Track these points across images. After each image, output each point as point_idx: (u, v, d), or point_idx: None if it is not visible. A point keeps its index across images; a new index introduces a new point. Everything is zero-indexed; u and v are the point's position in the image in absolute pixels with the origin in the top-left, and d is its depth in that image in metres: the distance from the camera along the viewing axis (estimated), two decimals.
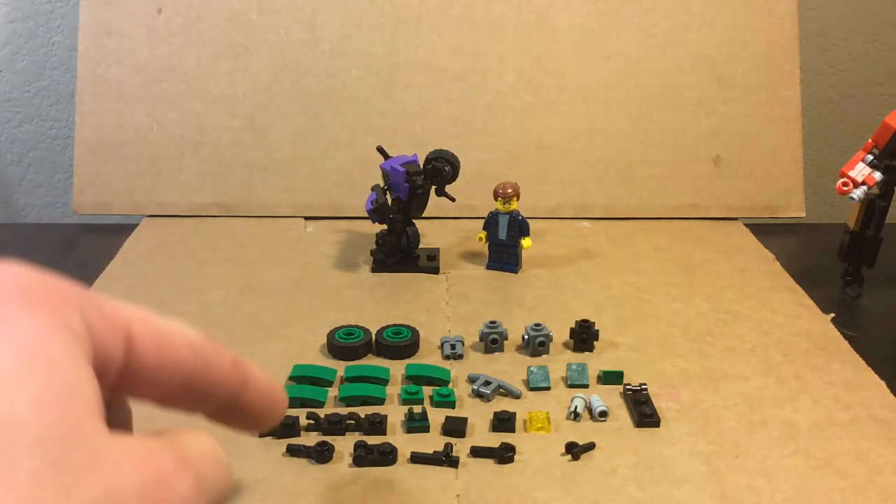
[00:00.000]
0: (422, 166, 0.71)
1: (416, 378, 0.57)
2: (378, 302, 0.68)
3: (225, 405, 0.29)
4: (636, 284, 0.72)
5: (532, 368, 0.58)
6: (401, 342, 0.60)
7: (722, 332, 0.64)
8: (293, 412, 0.53)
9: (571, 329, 0.62)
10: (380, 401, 0.55)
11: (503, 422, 0.52)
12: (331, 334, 0.61)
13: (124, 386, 0.26)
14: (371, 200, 0.72)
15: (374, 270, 0.73)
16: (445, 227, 0.82)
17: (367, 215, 0.74)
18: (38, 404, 0.21)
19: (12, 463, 0.20)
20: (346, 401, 0.55)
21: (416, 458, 0.49)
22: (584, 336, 0.61)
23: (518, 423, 0.53)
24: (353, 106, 0.86)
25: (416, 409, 0.53)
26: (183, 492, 0.23)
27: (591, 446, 0.51)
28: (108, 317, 0.25)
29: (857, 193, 0.70)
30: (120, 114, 0.85)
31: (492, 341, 0.61)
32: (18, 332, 0.22)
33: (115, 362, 0.25)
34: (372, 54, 0.86)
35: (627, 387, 0.56)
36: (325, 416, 0.52)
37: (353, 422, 0.52)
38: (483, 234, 0.74)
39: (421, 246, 0.75)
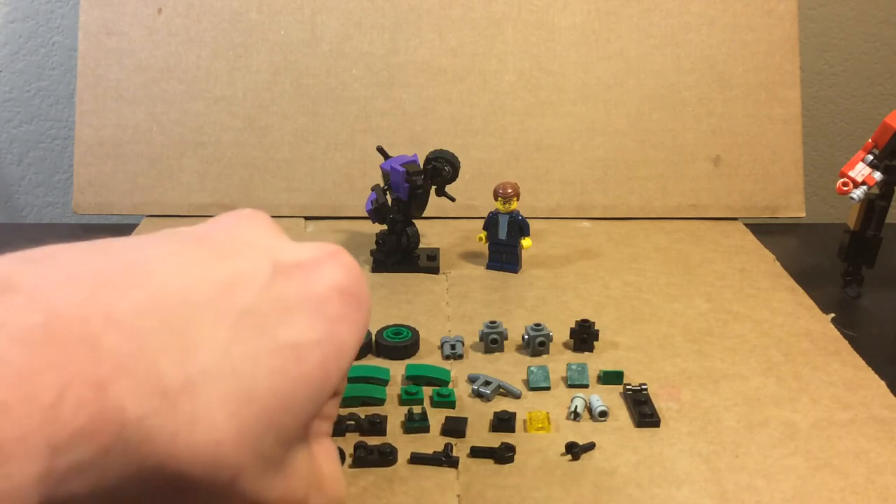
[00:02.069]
0: (422, 166, 0.71)
1: (416, 378, 0.57)
2: (378, 302, 0.68)
3: None
4: (636, 284, 0.72)
5: (532, 368, 0.58)
6: (401, 342, 0.60)
7: (722, 332, 0.64)
8: None
9: (571, 329, 0.62)
10: (380, 401, 0.55)
11: (503, 422, 0.52)
12: None
13: None
14: (371, 200, 0.72)
15: (374, 270, 0.73)
16: (445, 227, 0.82)
17: (367, 215, 0.74)
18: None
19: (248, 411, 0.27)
20: (345, 401, 0.55)
21: (416, 459, 0.49)
22: (584, 336, 0.61)
23: (518, 423, 0.53)
24: (353, 106, 0.86)
25: (416, 409, 0.53)
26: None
27: (591, 446, 0.51)
28: None
29: (857, 193, 0.70)
30: (120, 114, 0.85)
31: (492, 341, 0.61)
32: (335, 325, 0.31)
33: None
34: (372, 54, 0.86)
35: (627, 387, 0.56)
36: None
37: (352, 422, 0.52)
38: (483, 234, 0.74)
39: (421, 246, 0.75)
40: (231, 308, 0.27)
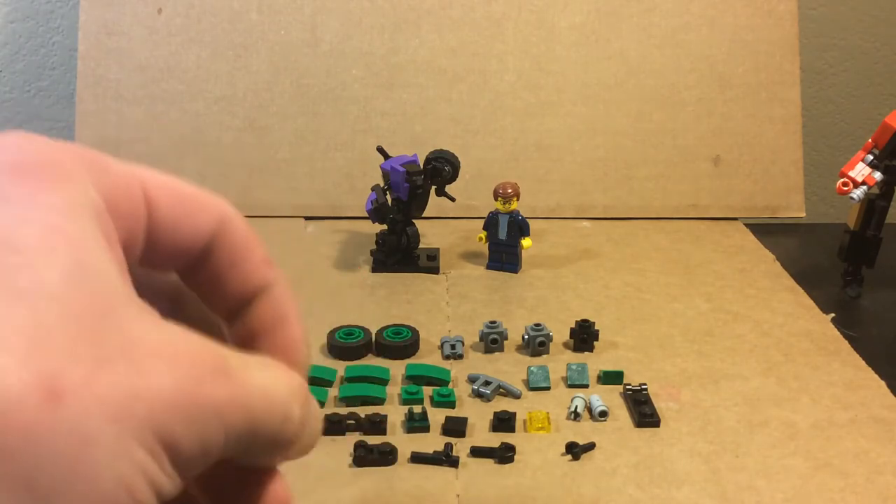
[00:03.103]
0: (422, 166, 0.71)
1: (416, 378, 0.57)
2: (378, 302, 0.68)
3: (237, 307, 0.26)
4: (636, 284, 0.72)
5: (532, 368, 0.58)
6: (401, 342, 0.60)
7: (722, 332, 0.64)
8: None
9: (571, 329, 0.62)
10: (380, 401, 0.55)
11: (503, 422, 0.52)
12: (331, 334, 0.61)
13: (148, 255, 0.24)
14: (371, 200, 0.72)
15: (374, 270, 0.73)
16: (445, 227, 0.82)
17: (367, 215, 0.74)
18: (67, 280, 0.19)
19: (46, 336, 0.18)
20: (346, 401, 0.55)
21: (416, 458, 0.49)
22: (584, 336, 0.61)
23: (518, 423, 0.53)
24: (353, 106, 0.86)
25: (416, 409, 0.53)
26: (219, 405, 0.20)
27: (591, 446, 0.51)
28: (123, 181, 0.22)
29: (857, 193, 0.70)
30: (120, 114, 0.85)
31: (492, 341, 0.61)
32: (38, 211, 0.20)
33: (138, 229, 0.23)
34: (372, 54, 0.86)
35: (627, 387, 0.56)
36: (325, 416, 0.52)
37: (353, 422, 0.52)
38: (483, 234, 0.74)
39: (421, 246, 0.75)
40: None
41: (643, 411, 0.53)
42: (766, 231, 0.84)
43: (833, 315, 0.67)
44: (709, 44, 0.87)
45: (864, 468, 0.49)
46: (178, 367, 0.20)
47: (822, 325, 0.66)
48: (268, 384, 0.22)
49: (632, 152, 0.87)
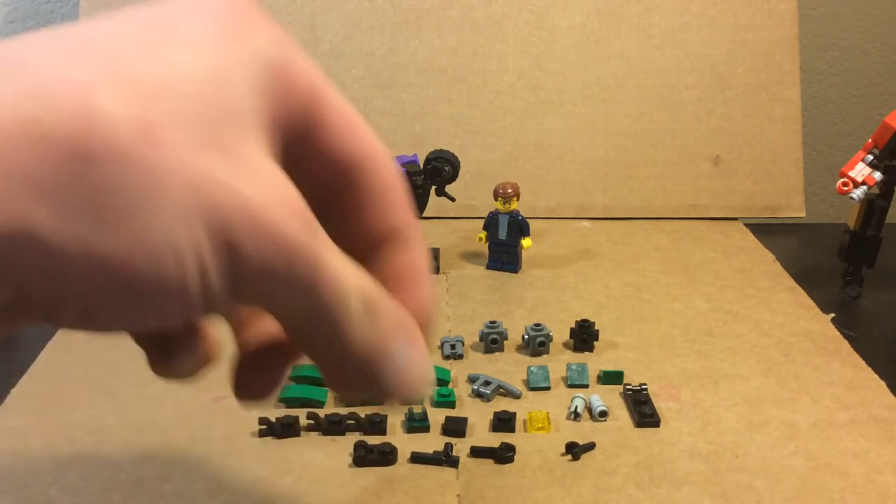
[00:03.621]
0: (422, 166, 0.71)
1: None
2: None
3: (367, 247, 0.26)
4: (636, 284, 0.72)
5: (532, 368, 0.58)
6: None
7: (722, 332, 0.64)
8: (293, 412, 0.52)
9: (571, 329, 0.62)
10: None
11: (503, 422, 0.52)
12: None
13: (295, 154, 0.24)
14: None
15: None
16: (445, 227, 0.82)
17: None
18: (212, 76, 0.20)
19: (167, 97, 0.19)
20: (346, 400, 0.55)
21: (416, 458, 0.49)
22: (584, 336, 0.61)
23: (518, 423, 0.53)
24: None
25: (416, 408, 0.53)
26: (292, 246, 0.20)
27: (591, 446, 0.51)
28: (299, 76, 0.23)
29: (857, 193, 0.70)
30: None
31: (492, 341, 0.61)
32: (213, 26, 0.21)
33: (294, 119, 0.23)
34: (372, 54, 0.86)
35: (627, 387, 0.56)
36: (325, 415, 0.52)
37: (353, 421, 0.52)
38: (483, 234, 0.74)
39: None
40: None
41: (643, 411, 0.53)
42: (766, 231, 0.84)
43: (833, 315, 0.67)
44: (709, 44, 0.87)
45: (864, 468, 0.49)
46: (271, 193, 0.20)
47: (822, 325, 0.66)
48: (339, 265, 0.22)
49: (632, 152, 0.87)
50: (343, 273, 0.22)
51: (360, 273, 0.23)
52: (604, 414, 0.53)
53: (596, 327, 0.62)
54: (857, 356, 0.61)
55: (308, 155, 0.24)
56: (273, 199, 0.20)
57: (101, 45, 0.20)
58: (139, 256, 0.19)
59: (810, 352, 0.62)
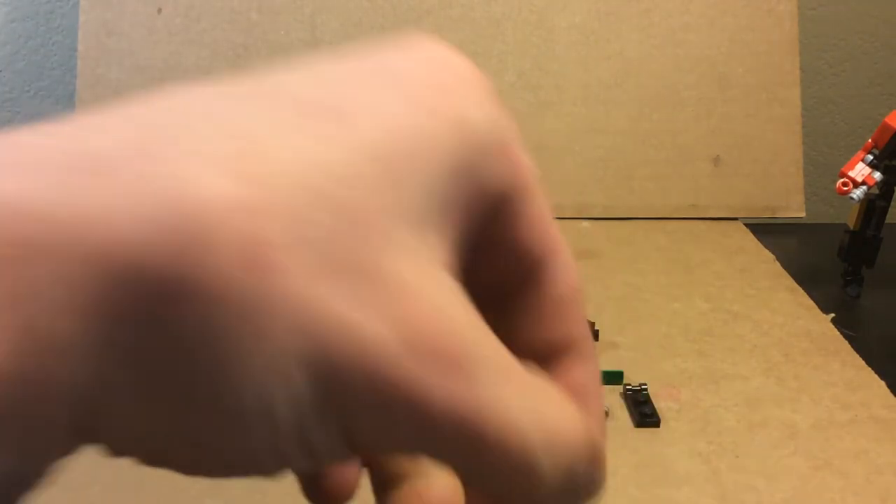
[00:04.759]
0: None
1: None
2: None
3: (536, 350, 0.20)
4: (636, 284, 0.72)
5: None
6: None
7: (722, 332, 0.64)
8: None
9: None
10: None
11: None
12: None
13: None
14: None
15: None
16: None
17: None
18: (381, 168, 0.16)
19: (287, 250, 0.14)
20: None
21: None
22: None
23: None
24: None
25: None
26: (420, 400, 0.15)
27: None
28: (507, 164, 0.19)
29: (857, 193, 0.69)
30: None
31: None
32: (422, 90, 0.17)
33: (485, 208, 0.19)
34: None
35: (627, 387, 0.56)
36: None
37: None
38: None
39: None
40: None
41: (643, 411, 0.53)
42: (766, 231, 0.84)
43: (833, 315, 0.67)
44: (709, 44, 0.87)
45: (864, 468, 0.49)
46: (416, 324, 0.15)
47: (822, 325, 0.66)
48: (524, 415, 0.17)
49: (632, 152, 0.87)
50: (530, 425, 0.17)
51: (565, 405, 0.18)
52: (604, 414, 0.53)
53: (596, 327, 0.62)
54: (857, 356, 0.61)
55: (492, 245, 0.20)
56: (417, 331, 0.15)
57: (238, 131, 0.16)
58: (220, 426, 0.15)
59: (810, 352, 0.62)
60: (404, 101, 0.17)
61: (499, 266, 0.21)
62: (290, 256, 0.14)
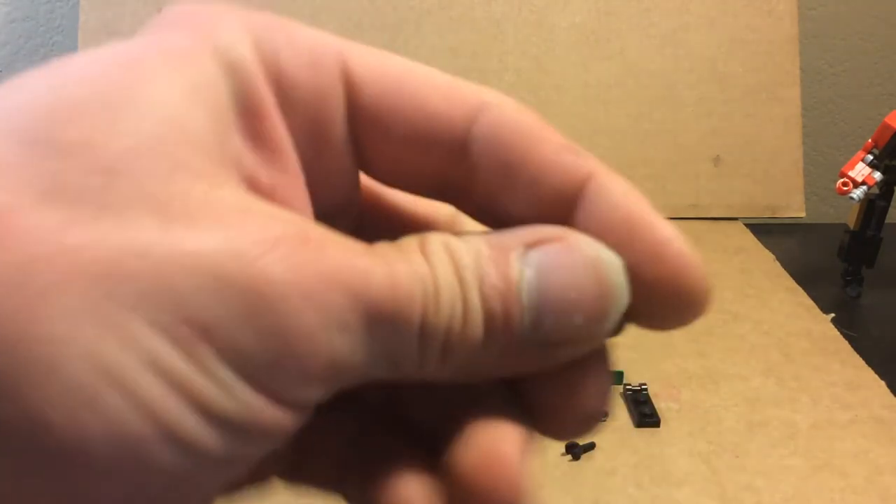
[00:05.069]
0: None
1: None
2: None
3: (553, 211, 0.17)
4: None
5: None
6: None
7: (722, 333, 0.64)
8: None
9: None
10: None
11: None
12: None
13: (369, 154, 0.18)
14: None
15: None
16: None
17: None
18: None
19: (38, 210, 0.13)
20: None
21: None
22: None
23: None
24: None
25: None
26: (279, 280, 0.14)
27: (591, 446, 0.51)
28: (307, 48, 0.18)
29: (857, 193, 0.69)
30: None
31: None
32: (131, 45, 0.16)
33: (330, 108, 0.18)
34: None
35: (627, 387, 0.56)
36: None
37: None
38: None
39: None
40: None
41: (643, 411, 0.53)
42: (766, 231, 0.84)
43: (833, 315, 0.67)
44: (709, 44, 0.87)
45: (864, 468, 0.49)
46: (232, 232, 0.14)
47: (821, 325, 0.66)
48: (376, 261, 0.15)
49: (632, 152, 0.87)
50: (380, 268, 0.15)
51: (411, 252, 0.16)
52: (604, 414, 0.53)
53: None
54: (857, 356, 0.61)
55: (384, 148, 0.19)
56: (238, 238, 0.14)
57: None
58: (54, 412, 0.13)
59: (810, 352, 0.62)
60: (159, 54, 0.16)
61: (423, 168, 0.19)
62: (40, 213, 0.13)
